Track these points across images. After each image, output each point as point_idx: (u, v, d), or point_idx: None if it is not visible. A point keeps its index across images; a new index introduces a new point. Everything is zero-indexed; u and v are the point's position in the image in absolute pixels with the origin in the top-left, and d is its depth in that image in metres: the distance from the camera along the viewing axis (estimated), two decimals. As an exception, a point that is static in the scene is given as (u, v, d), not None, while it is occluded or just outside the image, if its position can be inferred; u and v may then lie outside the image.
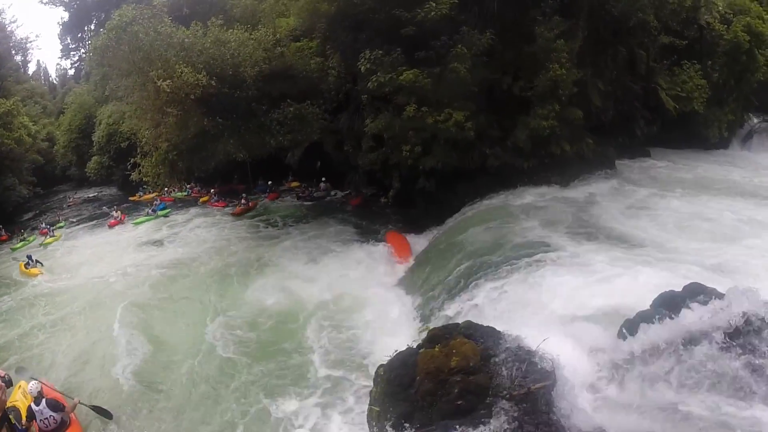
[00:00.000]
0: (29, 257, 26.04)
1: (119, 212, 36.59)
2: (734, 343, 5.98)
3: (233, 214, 30.34)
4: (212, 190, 36.85)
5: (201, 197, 38.28)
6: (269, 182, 34.43)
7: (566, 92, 19.63)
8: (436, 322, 12.28)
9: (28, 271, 25.13)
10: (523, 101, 20.00)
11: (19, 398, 11.41)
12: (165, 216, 34.50)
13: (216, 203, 34.89)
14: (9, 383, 11.33)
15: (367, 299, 15.88)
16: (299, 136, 22.36)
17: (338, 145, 24.70)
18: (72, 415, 11.06)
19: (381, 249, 19.85)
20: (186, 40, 20.58)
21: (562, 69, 19.19)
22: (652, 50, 25.40)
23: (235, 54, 20.78)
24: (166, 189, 38.34)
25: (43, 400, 10.52)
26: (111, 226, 34.11)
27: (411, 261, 18.36)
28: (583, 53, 20.77)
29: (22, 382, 12.04)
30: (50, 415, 10.49)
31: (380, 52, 19.32)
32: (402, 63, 19.20)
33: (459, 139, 19.32)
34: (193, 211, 34.70)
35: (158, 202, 37.64)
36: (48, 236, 32.38)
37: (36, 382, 10.92)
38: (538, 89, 19.57)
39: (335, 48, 22.71)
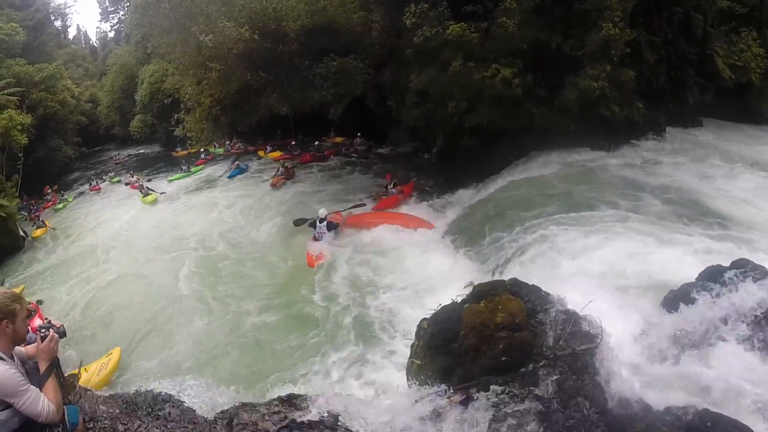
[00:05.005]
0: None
1: (136, 177, 37.32)
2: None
3: (271, 186, 27.89)
4: (292, 143, 35.00)
5: (259, 150, 37.77)
6: (323, 138, 34.00)
7: (618, 53, 18.82)
8: (479, 277, 12.14)
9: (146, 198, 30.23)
10: (572, 60, 19.25)
11: None
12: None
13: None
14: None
15: (408, 254, 15.90)
16: (342, 90, 22.13)
17: (381, 100, 24.41)
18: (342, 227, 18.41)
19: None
20: (228, -6, 20.39)
21: (615, 28, 18.39)
22: (710, 14, 24.23)
23: (278, 8, 20.55)
24: (201, 150, 38.77)
25: (325, 222, 17.53)
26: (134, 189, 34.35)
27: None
28: (637, 13, 19.96)
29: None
30: (323, 232, 17.44)
31: (426, 5, 18.88)
32: (448, 17, 18.77)
33: (505, 96, 18.78)
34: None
35: (237, 164, 34.21)
36: (144, 194, 31.22)
37: (324, 210, 18.03)
38: (589, 48, 18.79)
39: (379, 2, 22.37)
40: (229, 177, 32.48)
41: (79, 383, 10.15)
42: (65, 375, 10.59)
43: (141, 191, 31.22)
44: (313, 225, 17.80)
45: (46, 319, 13.45)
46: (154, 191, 31.09)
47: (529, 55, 19.25)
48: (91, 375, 11.30)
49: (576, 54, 19.15)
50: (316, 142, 33.58)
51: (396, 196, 21.37)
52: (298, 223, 18.64)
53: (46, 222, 29.38)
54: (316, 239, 17.49)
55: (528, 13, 18.58)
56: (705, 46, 24.12)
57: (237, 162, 34.27)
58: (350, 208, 19.96)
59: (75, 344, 13.89)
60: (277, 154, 35.01)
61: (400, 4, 19.92)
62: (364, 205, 20.78)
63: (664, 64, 21.93)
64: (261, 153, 37.27)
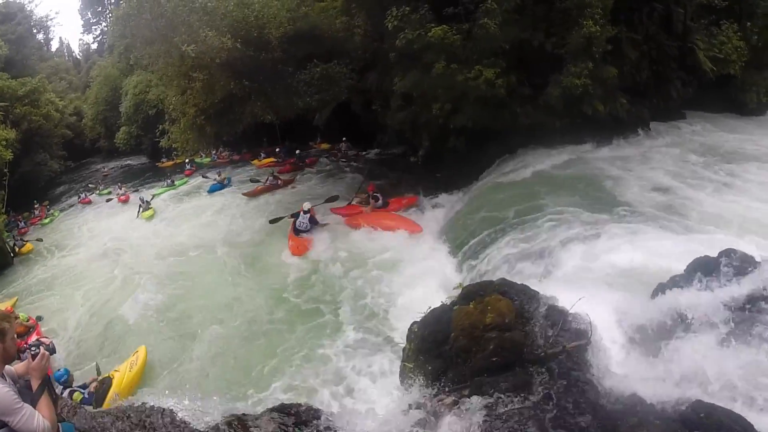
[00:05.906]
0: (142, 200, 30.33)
1: (124, 189, 37.25)
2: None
3: (247, 195, 27.39)
4: (278, 149, 34.91)
5: (252, 158, 37.64)
6: (309, 144, 34.32)
7: (600, 50, 18.89)
8: (468, 279, 12.20)
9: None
10: (555, 59, 19.33)
11: None
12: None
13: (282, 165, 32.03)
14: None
15: (396, 255, 15.95)
16: (327, 96, 22.05)
17: (366, 104, 24.42)
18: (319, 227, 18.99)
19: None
20: (209, 3, 20.16)
21: (596, 26, 18.47)
22: (690, 8, 24.33)
23: (259, 16, 20.44)
24: (186, 161, 38.60)
25: (309, 216, 18.82)
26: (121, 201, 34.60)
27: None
28: (617, 10, 19.99)
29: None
30: (307, 225, 18.69)
31: (407, 8, 18.84)
32: (430, 20, 18.74)
33: (489, 97, 18.79)
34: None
35: (219, 177, 32.33)
36: (144, 209, 29.67)
37: (309, 203, 19.31)
38: (571, 46, 18.86)
39: (360, 6, 22.33)
40: (208, 192, 30.92)
41: (115, 381, 11.70)
42: (99, 378, 11.17)
43: (141, 206, 29.79)
44: (295, 216, 19.26)
45: (44, 337, 13.94)
46: (151, 205, 30.09)
47: (511, 54, 19.28)
48: (123, 373, 11.95)
49: (558, 52, 19.22)
50: (298, 151, 33.00)
51: (361, 207, 20.75)
52: (274, 221, 20.43)
53: (25, 241, 29.13)
54: (297, 229, 18.88)
55: (509, 13, 18.56)
56: (686, 39, 24.17)
57: (223, 176, 32.53)
58: (324, 202, 21.27)
59: (88, 353, 14.39)
60: (270, 160, 34.76)
61: (382, 8, 19.88)
62: (338, 197, 21.89)
63: (646, 59, 22.00)
64: (255, 162, 36.89)
